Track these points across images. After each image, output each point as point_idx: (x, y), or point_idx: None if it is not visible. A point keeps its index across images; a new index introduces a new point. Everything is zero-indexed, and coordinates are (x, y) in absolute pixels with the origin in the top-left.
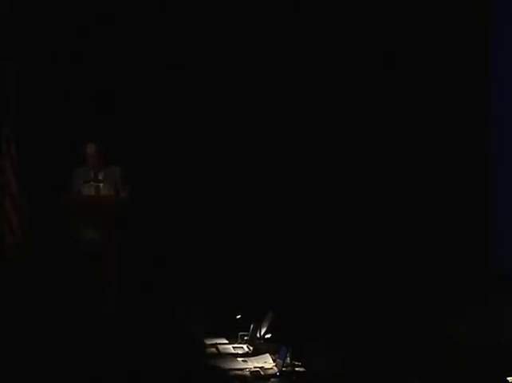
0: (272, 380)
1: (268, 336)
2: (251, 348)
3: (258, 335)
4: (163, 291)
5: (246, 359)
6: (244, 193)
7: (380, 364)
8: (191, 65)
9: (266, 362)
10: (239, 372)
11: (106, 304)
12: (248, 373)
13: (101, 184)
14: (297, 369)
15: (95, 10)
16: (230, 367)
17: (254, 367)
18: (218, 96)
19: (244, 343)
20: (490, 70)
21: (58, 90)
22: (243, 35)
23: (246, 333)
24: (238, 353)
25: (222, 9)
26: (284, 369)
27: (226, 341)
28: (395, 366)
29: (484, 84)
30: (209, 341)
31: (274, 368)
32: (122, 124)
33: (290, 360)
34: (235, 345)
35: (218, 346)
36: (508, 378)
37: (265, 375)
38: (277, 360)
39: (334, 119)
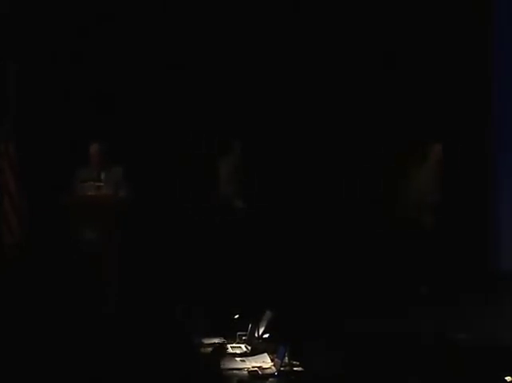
0: (270, 379)
1: (266, 335)
2: (249, 347)
3: (256, 335)
4: (163, 291)
5: (244, 359)
6: (242, 192)
7: (380, 364)
8: (191, 65)
9: (264, 362)
10: (237, 371)
11: (106, 304)
12: (246, 372)
13: (101, 184)
14: (295, 368)
15: (95, 10)
16: (228, 367)
17: (252, 367)
18: (218, 96)
19: (242, 343)
20: (490, 70)
21: (58, 90)
22: (243, 35)
23: (244, 332)
24: (236, 353)
25: (222, 9)
26: (282, 368)
27: (225, 341)
28: (395, 366)
29: (484, 84)
30: (207, 341)
31: (272, 367)
32: (122, 124)
33: (288, 359)
34: (233, 345)
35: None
36: (506, 378)
37: (263, 375)
38: (276, 359)
39: (334, 119)
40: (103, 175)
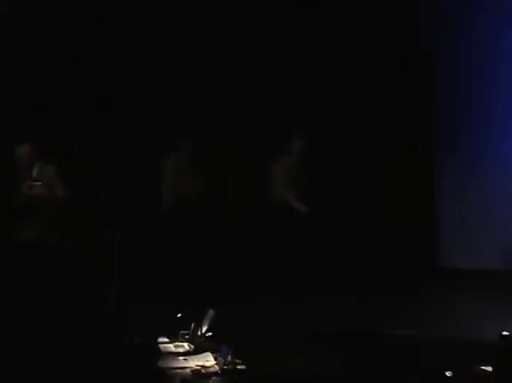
0: (213, 378)
1: (209, 334)
2: (192, 346)
3: (199, 333)
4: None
5: (187, 357)
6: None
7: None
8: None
9: (208, 361)
10: (180, 370)
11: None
12: (189, 371)
13: (35, 183)
14: (238, 367)
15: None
16: (171, 366)
17: (196, 365)
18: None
19: (185, 341)
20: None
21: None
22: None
23: (187, 331)
24: (179, 352)
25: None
26: (225, 367)
27: (167, 340)
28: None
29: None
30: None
31: (215, 366)
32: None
33: (232, 358)
34: (176, 344)
35: (159, 345)
36: (446, 373)
37: (206, 373)
38: (219, 358)
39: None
40: (34, 174)
